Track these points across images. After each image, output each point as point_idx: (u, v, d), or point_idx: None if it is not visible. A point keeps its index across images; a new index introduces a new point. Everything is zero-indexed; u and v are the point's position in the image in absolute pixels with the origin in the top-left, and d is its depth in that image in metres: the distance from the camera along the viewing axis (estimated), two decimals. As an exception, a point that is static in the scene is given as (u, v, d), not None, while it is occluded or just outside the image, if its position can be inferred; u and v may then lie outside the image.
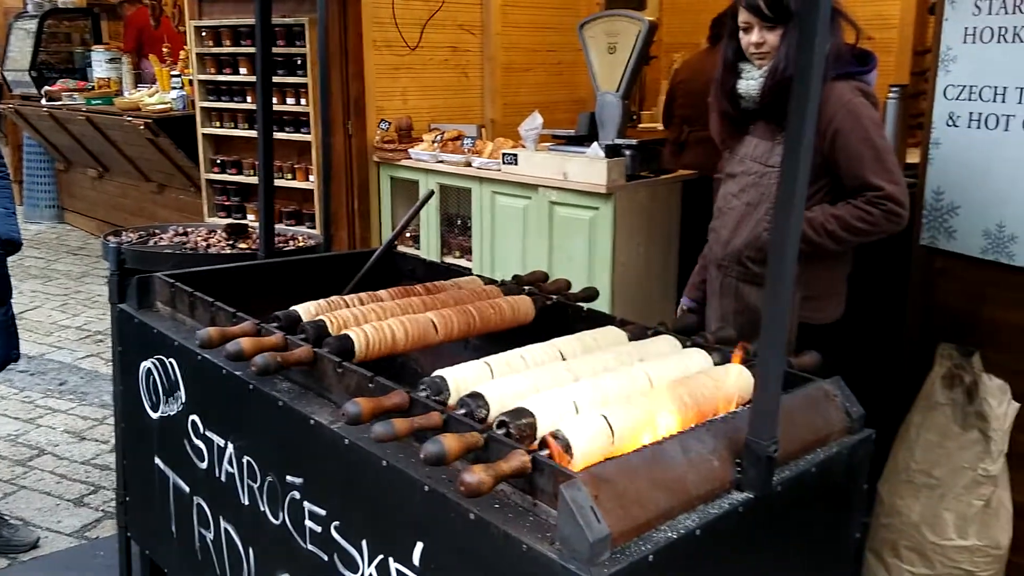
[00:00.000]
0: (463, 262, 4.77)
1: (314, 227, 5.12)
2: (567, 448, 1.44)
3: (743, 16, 2.47)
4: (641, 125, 5.98)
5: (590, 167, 4.00)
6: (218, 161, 5.52)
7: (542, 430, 1.51)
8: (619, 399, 1.60)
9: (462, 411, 1.59)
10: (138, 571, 2.75)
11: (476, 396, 1.60)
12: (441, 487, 1.47)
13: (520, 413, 1.52)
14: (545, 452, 1.43)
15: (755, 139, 2.56)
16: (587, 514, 1.28)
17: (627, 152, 4.06)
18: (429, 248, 4.94)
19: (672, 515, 1.40)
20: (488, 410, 1.59)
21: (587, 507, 1.28)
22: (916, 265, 2.94)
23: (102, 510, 3.51)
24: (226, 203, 5.49)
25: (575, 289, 2.40)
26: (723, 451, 1.51)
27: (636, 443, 1.48)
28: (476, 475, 1.32)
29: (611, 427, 1.49)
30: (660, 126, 5.54)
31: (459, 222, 4.89)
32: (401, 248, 5.04)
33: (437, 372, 1.69)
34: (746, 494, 1.48)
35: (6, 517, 3.32)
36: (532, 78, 5.95)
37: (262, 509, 1.91)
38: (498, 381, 1.67)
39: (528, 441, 1.50)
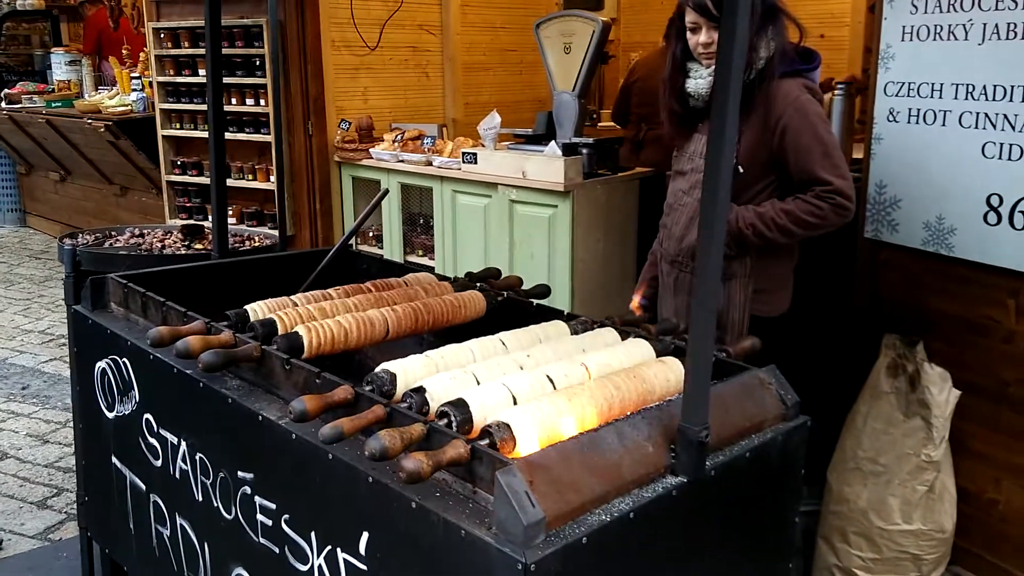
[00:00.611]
0: (426, 261, 4.80)
1: (275, 227, 5.13)
2: (505, 437, 1.48)
3: (691, 16, 2.51)
4: (601, 124, 6.04)
5: (548, 166, 4.05)
6: (178, 163, 5.51)
7: (482, 420, 1.55)
8: (558, 389, 1.65)
9: (405, 404, 1.63)
10: (99, 571, 2.76)
11: (419, 389, 1.64)
12: (384, 478, 1.51)
13: (460, 404, 1.56)
14: (484, 441, 1.48)
15: (704, 137, 2.60)
16: (522, 499, 1.32)
17: (584, 151, 4.11)
18: (392, 247, 4.96)
19: (607, 499, 1.45)
20: (431, 402, 1.63)
21: (522, 492, 1.33)
22: (861, 258, 3.02)
23: (65, 512, 3.51)
24: (187, 204, 5.48)
25: (537, 285, 2.45)
26: (657, 437, 1.56)
27: (573, 431, 1.53)
28: (415, 462, 1.37)
29: (548, 416, 1.54)
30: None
31: (421, 221, 4.92)
32: (364, 248, 5.09)
33: (382, 366, 1.74)
34: (680, 478, 1.54)
35: (-33, 521, 3.33)
36: (493, 78, 5.99)
37: (215, 505, 1.94)
38: (442, 374, 1.71)
39: (469, 431, 1.55)
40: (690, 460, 1.53)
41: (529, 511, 1.32)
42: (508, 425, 1.49)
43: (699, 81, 2.56)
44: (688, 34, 2.54)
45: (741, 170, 2.49)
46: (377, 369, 1.74)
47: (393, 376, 1.70)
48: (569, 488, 1.40)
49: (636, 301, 2.94)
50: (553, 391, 1.64)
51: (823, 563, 2.85)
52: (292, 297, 2.17)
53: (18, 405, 4.57)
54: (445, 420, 1.56)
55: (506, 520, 1.32)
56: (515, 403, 1.61)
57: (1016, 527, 2.75)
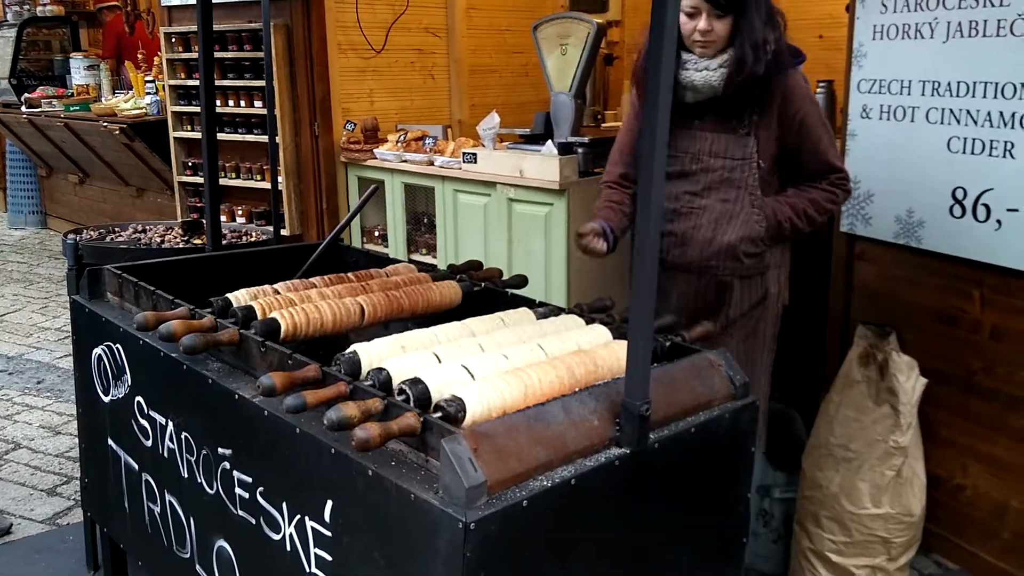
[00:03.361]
0: (429, 259, 4.91)
1: (283, 226, 5.25)
2: (458, 411, 1.59)
3: (690, 0, 2.35)
4: (605, 125, 6.12)
5: (544, 164, 4.15)
6: (189, 164, 5.66)
7: (439, 396, 1.66)
8: (513, 368, 1.75)
9: (369, 382, 1.74)
10: (102, 553, 2.88)
11: (382, 369, 1.75)
12: (345, 449, 1.62)
13: (418, 382, 1.67)
14: (437, 414, 1.58)
15: (706, 134, 2.48)
16: (465, 464, 1.43)
17: (579, 150, 4.21)
18: (397, 246, 5.08)
19: (550, 467, 1.55)
20: (393, 380, 1.74)
21: (465, 458, 1.43)
22: (837, 251, 3.11)
23: (73, 499, 3.64)
24: (198, 204, 5.62)
25: (534, 281, 2.54)
26: (603, 412, 1.66)
27: (521, 405, 1.63)
28: (366, 431, 1.48)
29: (501, 392, 1.64)
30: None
31: (425, 220, 5.03)
32: (370, 247, 5.21)
33: (351, 348, 1.85)
34: (623, 450, 1.64)
35: (-20, 506, 3.47)
36: (499, 79, 6.09)
37: (199, 481, 2.06)
38: (406, 355, 1.82)
39: (426, 406, 1.66)
40: (633, 433, 1.63)
41: (471, 475, 1.42)
42: (460, 399, 1.60)
43: (706, 73, 2.39)
44: (683, 19, 2.36)
45: (762, 164, 2.46)
46: (347, 350, 1.86)
47: (358, 356, 1.81)
48: (513, 456, 1.51)
49: (596, 226, 2.56)
50: (507, 370, 1.74)
51: (798, 547, 2.92)
52: (275, 286, 2.29)
53: (32, 398, 4.73)
54: (403, 396, 1.66)
55: (450, 484, 1.43)
56: (473, 380, 1.72)
57: (982, 511, 2.83)
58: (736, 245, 2.50)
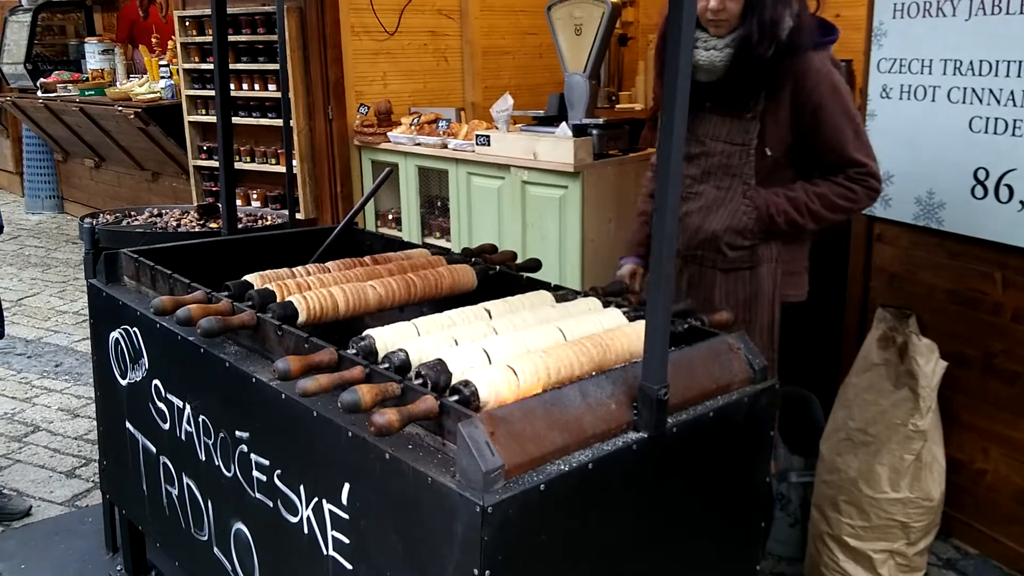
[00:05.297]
0: (443, 243, 4.90)
1: (298, 210, 5.26)
2: (475, 395, 1.58)
3: None
4: (619, 106, 6.08)
5: (558, 146, 4.12)
6: (204, 148, 5.66)
7: (456, 380, 1.65)
8: (530, 351, 1.74)
9: (385, 366, 1.73)
10: (120, 534, 2.90)
11: (398, 352, 1.75)
12: (362, 432, 1.61)
13: (435, 364, 1.66)
14: (454, 398, 1.58)
15: (714, 116, 2.39)
16: (482, 448, 1.42)
17: (594, 131, 4.18)
18: (411, 230, 5.07)
19: (567, 451, 1.54)
20: (410, 363, 1.73)
21: (482, 442, 1.43)
22: (856, 233, 3.07)
23: (92, 481, 3.66)
24: (213, 188, 5.64)
25: (549, 264, 2.52)
26: (621, 396, 1.65)
27: (539, 389, 1.62)
28: (384, 416, 1.47)
29: (517, 375, 1.63)
30: (638, 106, 5.65)
31: (439, 203, 5.02)
32: (385, 230, 5.21)
33: (367, 332, 1.84)
34: (640, 434, 1.63)
35: (1, 488, 3.49)
36: (513, 61, 6.06)
37: (217, 464, 2.06)
38: (423, 338, 1.82)
39: (443, 389, 1.65)
40: (650, 417, 1.62)
41: (488, 459, 1.41)
42: (476, 383, 1.59)
43: (714, 52, 2.29)
44: None
45: (769, 152, 2.35)
46: (363, 334, 1.85)
47: (375, 340, 1.80)
48: (530, 440, 1.50)
49: (630, 266, 2.70)
50: (524, 353, 1.73)
51: (816, 531, 2.91)
52: (291, 269, 2.28)
53: (51, 381, 4.76)
54: (420, 380, 1.66)
55: (467, 467, 1.42)
56: (490, 363, 1.71)
57: (1003, 496, 2.80)
58: (720, 235, 2.39)
